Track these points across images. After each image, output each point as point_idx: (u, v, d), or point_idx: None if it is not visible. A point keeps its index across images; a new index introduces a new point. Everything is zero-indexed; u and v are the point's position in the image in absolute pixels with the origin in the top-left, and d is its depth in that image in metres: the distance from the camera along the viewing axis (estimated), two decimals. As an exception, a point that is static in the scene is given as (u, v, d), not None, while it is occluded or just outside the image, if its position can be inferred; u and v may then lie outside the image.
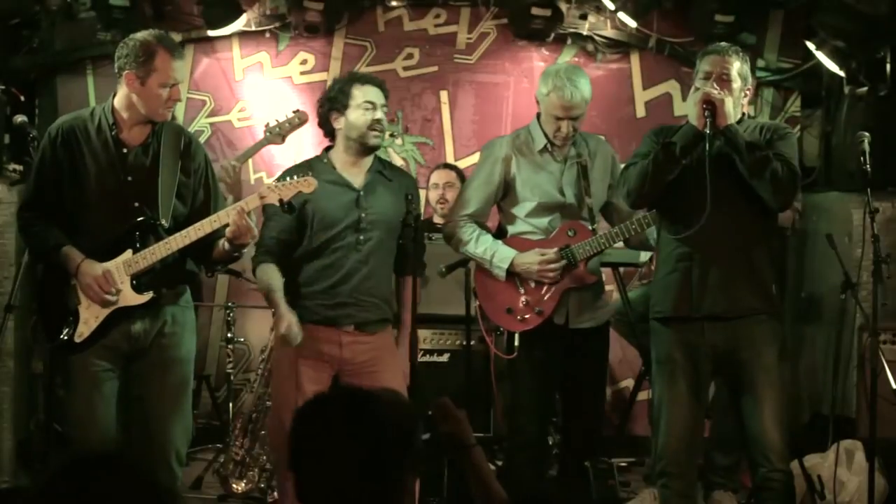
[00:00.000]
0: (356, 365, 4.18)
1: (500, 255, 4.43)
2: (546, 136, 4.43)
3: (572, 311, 4.44)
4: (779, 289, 4.19)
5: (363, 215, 4.20)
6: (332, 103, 4.25)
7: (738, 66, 3.98)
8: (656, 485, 4.12)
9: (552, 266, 4.37)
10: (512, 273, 4.43)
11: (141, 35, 3.88)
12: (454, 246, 4.61)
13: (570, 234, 4.41)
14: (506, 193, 4.50)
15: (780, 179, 3.86)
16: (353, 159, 4.27)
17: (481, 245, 4.48)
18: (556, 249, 4.38)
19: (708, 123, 3.82)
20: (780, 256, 6.04)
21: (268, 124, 4.94)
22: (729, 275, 3.95)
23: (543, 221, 4.45)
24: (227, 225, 3.80)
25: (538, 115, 4.50)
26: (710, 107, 3.84)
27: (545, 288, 4.41)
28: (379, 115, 4.23)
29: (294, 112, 4.90)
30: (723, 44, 4.07)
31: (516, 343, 4.52)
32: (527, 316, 4.44)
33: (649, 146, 4.05)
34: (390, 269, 4.32)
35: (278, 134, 5.01)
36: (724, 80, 3.95)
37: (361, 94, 4.22)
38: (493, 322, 4.70)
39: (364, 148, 4.25)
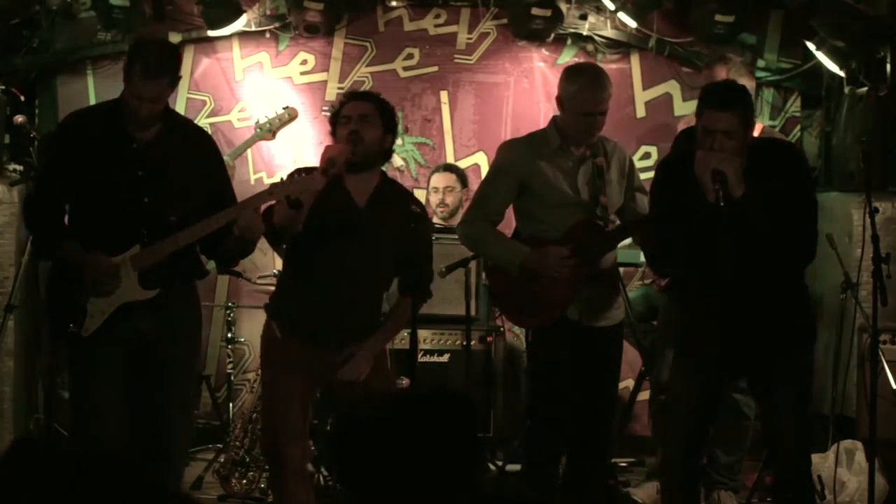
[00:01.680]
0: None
1: (514, 251, 4.44)
2: (563, 137, 4.44)
3: (586, 309, 4.43)
4: (810, 303, 4.11)
5: (355, 232, 4.07)
6: (330, 123, 4.20)
7: (740, 119, 3.74)
8: (659, 481, 4.13)
9: (566, 262, 4.37)
10: (526, 270, 4.43)
11: (137, 40, 3.87)
12: (468, 244, 4.62)
13: (584, 231, 4.42)
14: (521, 193, 4.50)
15: (799, 238, 3.81)
16: (356, 175, 4.11)
17: (494, 242, 4.49)
18: (570, 247, 4.38)
19: (720, 196, 3.67)
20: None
21: (258, 121, 4.94)
22: (759, 322, 3.86)
23: (558, 220, 4.44)
24: (234, 221, 3.80)
25: (555, 119, 4.51)
26: (721, 177, 3.68)
27: (559, 284, 4.41)
28: (353, 126, 4.04)
29: (284, 108, 4.90)
30: (723, 90, 3.81)
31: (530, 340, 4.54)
32: (540, 312, 4.44)
33: (663, 191, 3.98)
34: (380, 288, 4.20)
35: (268, 130, 5.02)
36: (729, 138, 3.72)
37: (344, 110, 4.12)
38: (508, 318, 4.70)
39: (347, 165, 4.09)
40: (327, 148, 4.04)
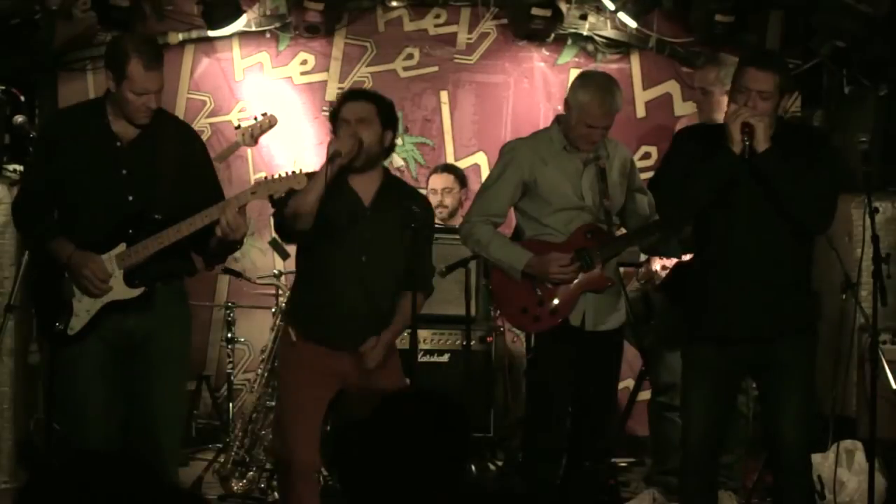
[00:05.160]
0: (362, 372, 4.12)
1: (517, 256, 4.43)
2: (566, 138, 4.43)
3: (589, 313, 4.43)
4: (814, 300, 4.13)
5: (364, 233, 4.10)
6: (330, 122, 4.23)
7: (777, 82, 3.85)
8: (678, 479, 4.13)
9: (568, 268, 4.36)
10: (528, 274, 4.42)
11: (122, 38, 3.87)
12: (470, 246, 4.61)
13: (587, 236, 4.41)
14: (524, 195, 4.49)
15: (816, 204, 3.84)
16: (360, 175, 4.15)
17: (498, 246, 4.48)
18: (572, 252, 4.38)
19: (746, 148, 3.77)
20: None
21: (238, 126, 4.96)
22: (760, 294, 3.88)
23: (561, 223, 4.44)
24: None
25: (558, 118, 4.51)
26: (750, 130, 3.77)
27: (561, 289, 4.40)
28: (353, 131, 4.06)
29: (262, 114, 4.91)
30: (764, 55, 3.91)
31: (532, 344, 4.53)
32: (542, 317, 4.42)
33: (684, 157, 3.99)
34: (391, 287, 4.19)
35: (250, 136, 5.01)
36: (763, 99, 3.83)
37: (342, 112, 4.14)
38: (509, 322, 4.70)
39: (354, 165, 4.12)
40: (333, 139, 4.08)
